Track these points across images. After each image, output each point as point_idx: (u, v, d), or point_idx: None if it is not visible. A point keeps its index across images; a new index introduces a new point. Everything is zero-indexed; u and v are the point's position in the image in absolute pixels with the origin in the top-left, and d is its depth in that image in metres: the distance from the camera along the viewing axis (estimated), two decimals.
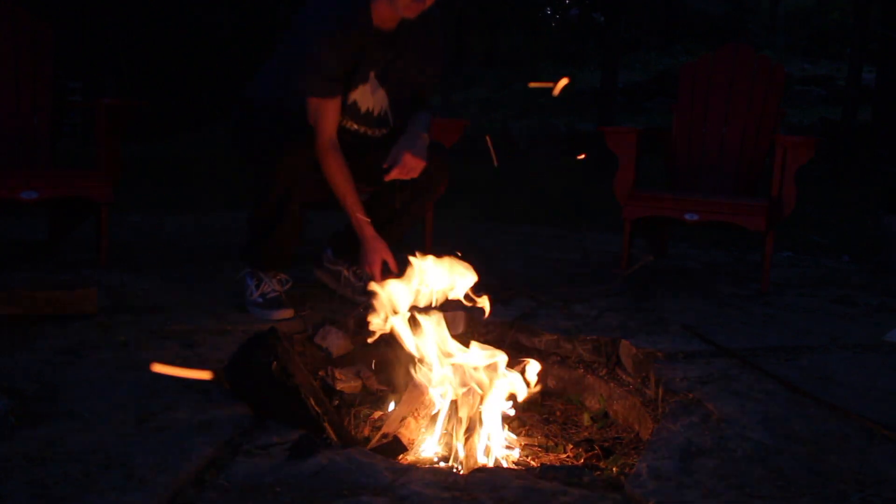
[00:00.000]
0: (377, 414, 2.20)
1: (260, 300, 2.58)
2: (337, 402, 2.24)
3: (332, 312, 2.62)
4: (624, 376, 2.36)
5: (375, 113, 2.65)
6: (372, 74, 2.57)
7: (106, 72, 13.28)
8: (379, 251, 2.48)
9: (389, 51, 2.55)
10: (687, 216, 3.21)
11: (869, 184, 7.65)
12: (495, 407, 1.98)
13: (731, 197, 3.36)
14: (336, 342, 2.45)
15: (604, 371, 2.41)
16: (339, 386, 2.29)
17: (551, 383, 2.45)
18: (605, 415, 2.30)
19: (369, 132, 2.68)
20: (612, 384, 2.33)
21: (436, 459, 1.93)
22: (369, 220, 2.52)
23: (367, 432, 2.12)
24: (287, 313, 2.55)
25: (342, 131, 2.58)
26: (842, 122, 9.23)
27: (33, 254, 3.37)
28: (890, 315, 2.89)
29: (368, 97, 2.61)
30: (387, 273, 2.39)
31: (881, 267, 3.78)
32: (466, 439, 1.93)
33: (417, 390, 1.98)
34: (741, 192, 3.60)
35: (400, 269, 2.24)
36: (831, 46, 18.30)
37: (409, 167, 2.53)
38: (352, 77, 2.53)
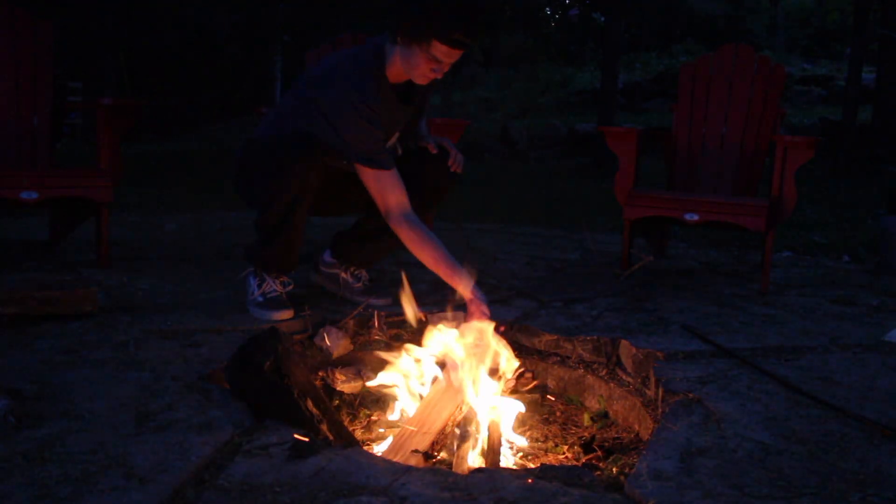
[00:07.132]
0: (377, 415, 2.20)
1: (261, 299, 2.58)
2: (337, 402, 2.24)
3: (333, 313, 2.62)
4: (624, 376, 2.36)
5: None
6: (395, 136, 2.58)
7: (106, 72, 13.29)
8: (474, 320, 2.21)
9: (408, 108, 2.54)
10: (687, 216, 3.21)
11: (869, 184, 7.65)
12: (496, 408, 1.98)
13: (731, 197, 3.36)
14: (336, 342, 2.45)
15: (604, 371, 2.41)
16: (338, 386, 2.29)
17: (551, 383, 2.45)
18: (605, 415, 2.30)
19: None
20: (612, 384, 2.33)
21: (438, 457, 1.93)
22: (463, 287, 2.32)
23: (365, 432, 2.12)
24: (287, 313, 2.54)
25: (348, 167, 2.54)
26: (842, 122, 9.23)
27: (33, 254, 3.37)
28: (890, 315, 2.89)
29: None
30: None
31: (881, 267, 3.77)
32: (462, 443, 1.92)
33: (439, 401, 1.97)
34: (741, 192, 3.60)
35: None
36: (831, 46, 18.32)
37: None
38: None
